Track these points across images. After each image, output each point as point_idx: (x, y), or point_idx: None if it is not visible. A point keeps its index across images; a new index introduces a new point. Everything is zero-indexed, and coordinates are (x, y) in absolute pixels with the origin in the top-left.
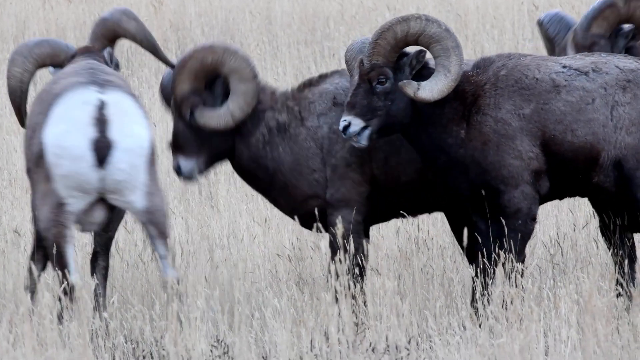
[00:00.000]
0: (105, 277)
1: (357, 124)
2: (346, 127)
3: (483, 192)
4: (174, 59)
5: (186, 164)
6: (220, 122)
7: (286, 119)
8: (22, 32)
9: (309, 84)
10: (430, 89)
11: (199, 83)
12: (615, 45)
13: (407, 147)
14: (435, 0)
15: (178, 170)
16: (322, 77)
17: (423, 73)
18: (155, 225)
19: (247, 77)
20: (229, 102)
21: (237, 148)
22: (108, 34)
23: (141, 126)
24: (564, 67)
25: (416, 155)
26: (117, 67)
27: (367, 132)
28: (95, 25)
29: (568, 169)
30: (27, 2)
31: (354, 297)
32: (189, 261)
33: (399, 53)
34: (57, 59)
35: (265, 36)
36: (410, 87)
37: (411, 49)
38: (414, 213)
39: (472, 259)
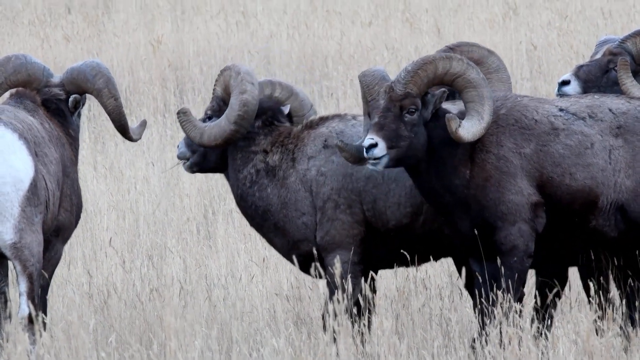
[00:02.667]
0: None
1: (382, 148)
2: (372, 146)
3: (481, 230)
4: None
5: (380, 148)
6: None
7: (277, 162)
8: None
9: (310, 125)
10: (468, 130)
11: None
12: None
13: (395, 192)
14: (433, 39)
15: (369, 147)
16: (322, 120)
17: (438, 113)
18: (20, 262)
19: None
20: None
21: (230, 179)
22: (77, 87)
23: (18, 159)
24: (561, 110)
25: (405, 199)
26: (78, 115)
27: (386, 160)
28: (69, 72)
29: (563, 212)
30: (26, 42)
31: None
32: (186, 300)
33: (430, 88)
34: (29, 86)
35: (263, 75)
36: (455, 123)
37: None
38: (416, 260)
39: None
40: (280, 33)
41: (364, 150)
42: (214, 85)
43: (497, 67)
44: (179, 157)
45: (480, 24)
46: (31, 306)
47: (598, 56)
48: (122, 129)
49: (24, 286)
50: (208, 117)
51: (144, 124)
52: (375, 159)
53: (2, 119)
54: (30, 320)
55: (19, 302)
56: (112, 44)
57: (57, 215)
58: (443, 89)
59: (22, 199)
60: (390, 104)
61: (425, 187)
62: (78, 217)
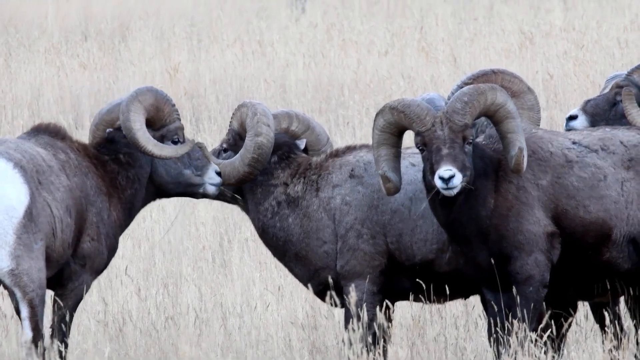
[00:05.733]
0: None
1: (459, 178)
2: (452, 177)
3: (498, 260)
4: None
5: (458, 178)
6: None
7: (300, 192)
8: (37, 99)
9: (335, 154)
10: (526, 162)
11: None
12: None
13: (422, 227)
14: (449, 69)
15: (450, 178)
16: (349, 149)
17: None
18: (20, 288)
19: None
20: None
21: (250, 212)
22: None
23: (11, 188)
24: (574, 143)
25: (432, 236)
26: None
27: (459, 189)
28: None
29: (577, 244)
30: (42, 70)
31: None
32: (202, 329)
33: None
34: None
35: (279, 104)
36: (523, 153)
37: None
38: (440, 296)
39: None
40: (297, 62)
41: (442, 181)
42: (231, 118)
43: (531, 105)
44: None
45: (497, 54)
46: (41, 329)
47: (606, 91)
48: (132, 141)
49: (25, 312)
50: (224, 150)
51: (189, 143)
52: (452, 188)
53: (1, 151)
54: (35, 344)
55: (23, 327)
56: (129, 72)
57: (75, 243)
58: (484, 118)
59: (17, 226)
60: (453, 135)
61: (450, 219)
62: (111, 248)
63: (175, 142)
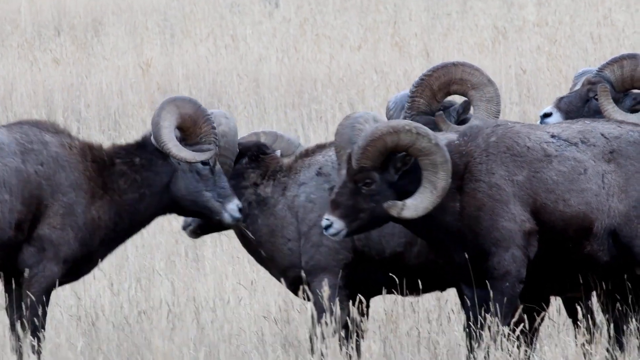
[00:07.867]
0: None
1: (337, 227)
2: (327, 227)
3: (474, 257)
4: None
5: (335, 227)
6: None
7: (269, 193)
8: (10, 94)
9: (305, 154)
10: (415, 208)
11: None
12: (622, 103)
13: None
14: (422, 63)
15: (327, 226)
16: (319, 148)
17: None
18: None
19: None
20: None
21: None
22: None
23: None
24: (553, 136)
25: (400, 229)
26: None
27: (344, 233)
28: None
29: (557, 238)
30: (15, 64)
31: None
32: (174, 323)
33: (386, 157)
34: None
35: (252, 99)
36: (395, 208)
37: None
38: (413, 289)
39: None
40: (270, 57)
41: (323, 229)
42: None
43: (490, 97)
44: (183, 228)
45: (470, 49)
46: None
47: (577, 87)
48: (155, 136)
49: None
50: None
51: (209, 152)
52: (333, 235)
53: None
54: None
55: None
56: (101, 67)
57: (30, 227)
58: (403, 153)
59: None
60: (348, 178)
61: (415, 226)
62: (84, 242)
63: (204, 164)
